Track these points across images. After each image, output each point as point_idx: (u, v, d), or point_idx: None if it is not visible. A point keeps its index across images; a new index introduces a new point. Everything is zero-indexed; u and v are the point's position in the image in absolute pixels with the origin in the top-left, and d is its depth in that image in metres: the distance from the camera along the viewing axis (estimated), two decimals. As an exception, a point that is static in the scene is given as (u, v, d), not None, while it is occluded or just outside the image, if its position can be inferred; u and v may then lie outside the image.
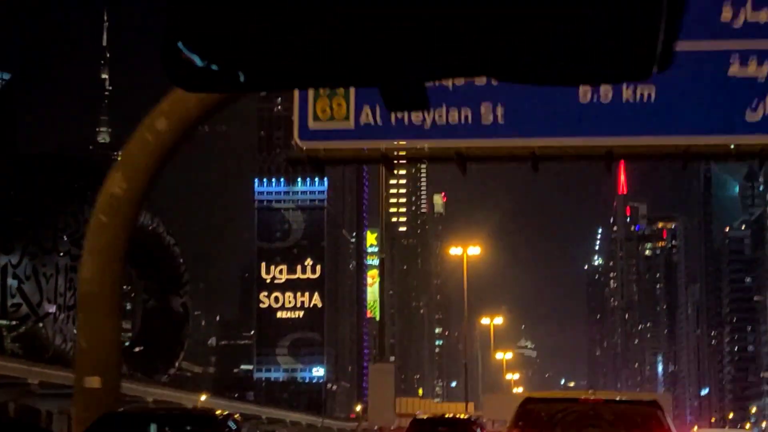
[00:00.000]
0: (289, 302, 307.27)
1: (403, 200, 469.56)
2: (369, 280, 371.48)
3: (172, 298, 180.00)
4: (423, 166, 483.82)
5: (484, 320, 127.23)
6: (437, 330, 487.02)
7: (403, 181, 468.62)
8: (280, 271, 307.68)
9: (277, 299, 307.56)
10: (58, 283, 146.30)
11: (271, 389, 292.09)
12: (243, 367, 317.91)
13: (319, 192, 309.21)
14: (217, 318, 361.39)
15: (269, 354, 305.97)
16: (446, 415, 56.84)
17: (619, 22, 3.43)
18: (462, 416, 55.54)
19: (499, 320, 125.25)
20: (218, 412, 31.32)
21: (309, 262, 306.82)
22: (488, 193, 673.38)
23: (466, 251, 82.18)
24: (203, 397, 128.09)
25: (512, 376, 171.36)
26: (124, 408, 30.58)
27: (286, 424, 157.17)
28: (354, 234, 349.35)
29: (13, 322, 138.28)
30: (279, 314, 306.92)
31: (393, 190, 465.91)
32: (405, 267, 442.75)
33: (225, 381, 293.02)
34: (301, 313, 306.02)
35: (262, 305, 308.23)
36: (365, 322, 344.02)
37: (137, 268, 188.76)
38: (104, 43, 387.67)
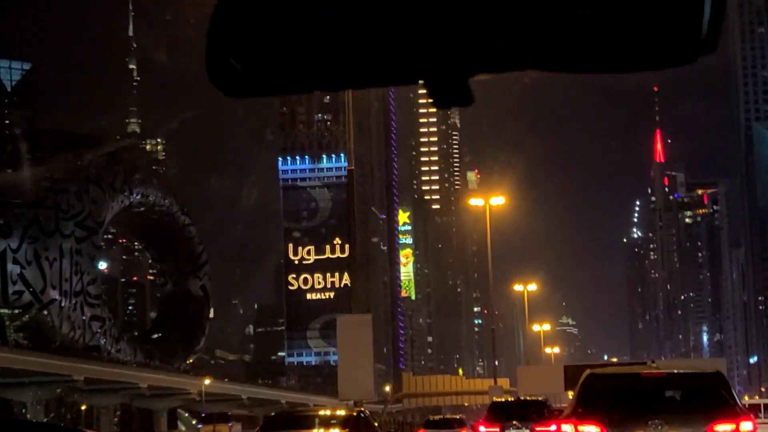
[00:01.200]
0: (319, 283, 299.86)
1: (435, 177, 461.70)
2: (402, 260, 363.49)
3: (190, 281, 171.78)
4: (455, 141, 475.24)
5: (518, 287, 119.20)
6: (476, 309, 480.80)
7: (435, 158, 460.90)
8: (308, 252, 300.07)
9: (306, 281, 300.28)
10: (62, 267, 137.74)
11: (304, 374, 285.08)
12: (280, 354, 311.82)
13: (345, 168, 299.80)
14: (255, 306, 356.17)
15: (300, 337, 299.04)
16: (525, 398, 54.29)
17: (663, 8, 3.44)
18: (539, 398, 53.05)
19: (532, 287, 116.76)
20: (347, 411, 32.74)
21: (338, 241, 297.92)
22: (523, 170, 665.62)
23: (488, 202, 73.91)
24: (207, 381, 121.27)
25: (552, 350, 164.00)
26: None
27: (309, 408, 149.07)
28: (384, 212, 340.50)
29: (16, 311, 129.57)
30: (309, 296, 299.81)
31: (425, 168, 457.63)
32: (440, 246, 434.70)
33: (260, 368, 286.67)
34: (332, 294, 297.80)
35: (291, 287, 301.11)
36: (399, 302, 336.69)
37: (151, 250, 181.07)
38: (130, 33, 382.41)
